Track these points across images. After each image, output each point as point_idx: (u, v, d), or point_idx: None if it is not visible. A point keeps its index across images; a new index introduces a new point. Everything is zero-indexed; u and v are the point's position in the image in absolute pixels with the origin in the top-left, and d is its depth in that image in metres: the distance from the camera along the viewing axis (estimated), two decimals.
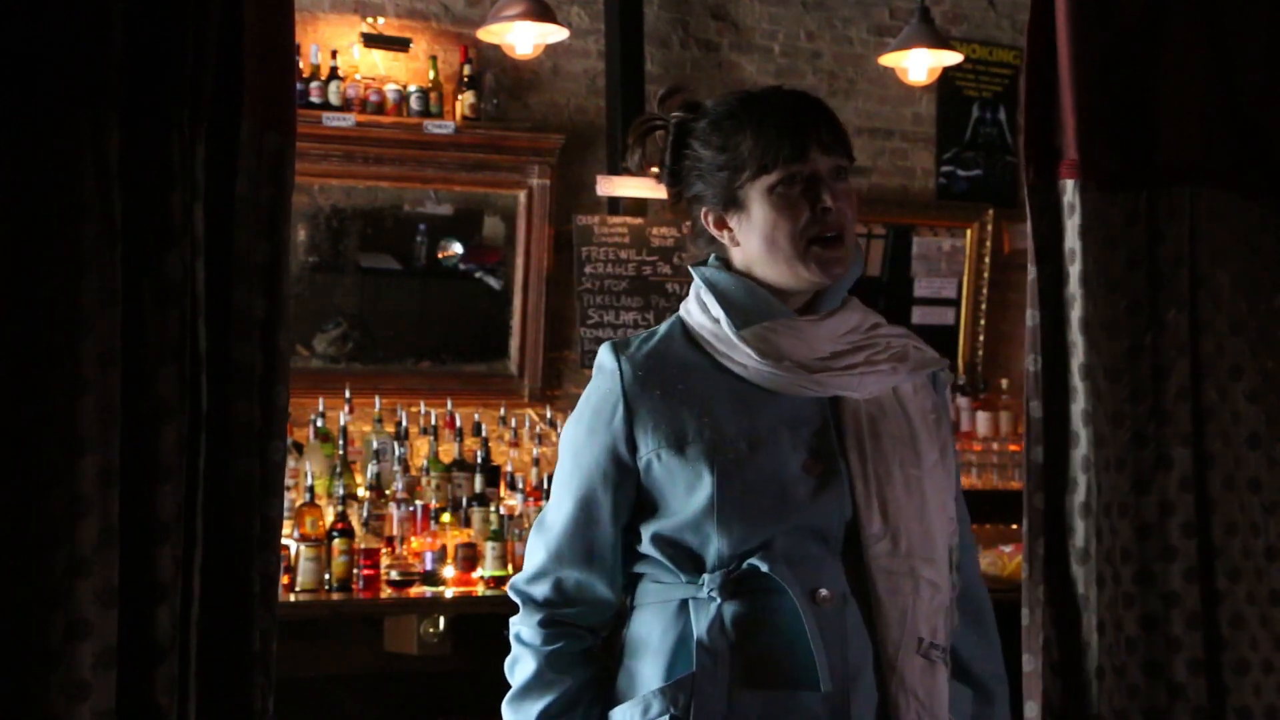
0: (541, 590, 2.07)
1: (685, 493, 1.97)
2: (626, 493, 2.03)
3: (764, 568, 1.93)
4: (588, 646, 2.09)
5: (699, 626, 1.96)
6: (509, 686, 2.12)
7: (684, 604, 1.99)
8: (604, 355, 2.06)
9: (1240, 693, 2.61)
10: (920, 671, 1.97)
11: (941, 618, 2.01)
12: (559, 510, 2.07)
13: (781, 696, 1.93)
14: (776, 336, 2.01)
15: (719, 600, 1.96)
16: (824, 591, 1.94)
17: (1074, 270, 2.60)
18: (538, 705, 2.06)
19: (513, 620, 2.11)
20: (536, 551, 2.08)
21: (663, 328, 2.10)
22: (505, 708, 2.11)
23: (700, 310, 2.07)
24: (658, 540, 2.00)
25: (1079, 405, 2.58)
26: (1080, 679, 2.57)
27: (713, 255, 2.10)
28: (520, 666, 2.09)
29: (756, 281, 2.04)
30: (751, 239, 2.03)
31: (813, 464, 1.98)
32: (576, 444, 2.06)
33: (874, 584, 1.96)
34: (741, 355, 2.01)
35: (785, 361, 2.00)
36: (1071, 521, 2.57)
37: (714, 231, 2.07)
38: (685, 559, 1.99)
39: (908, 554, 1.98)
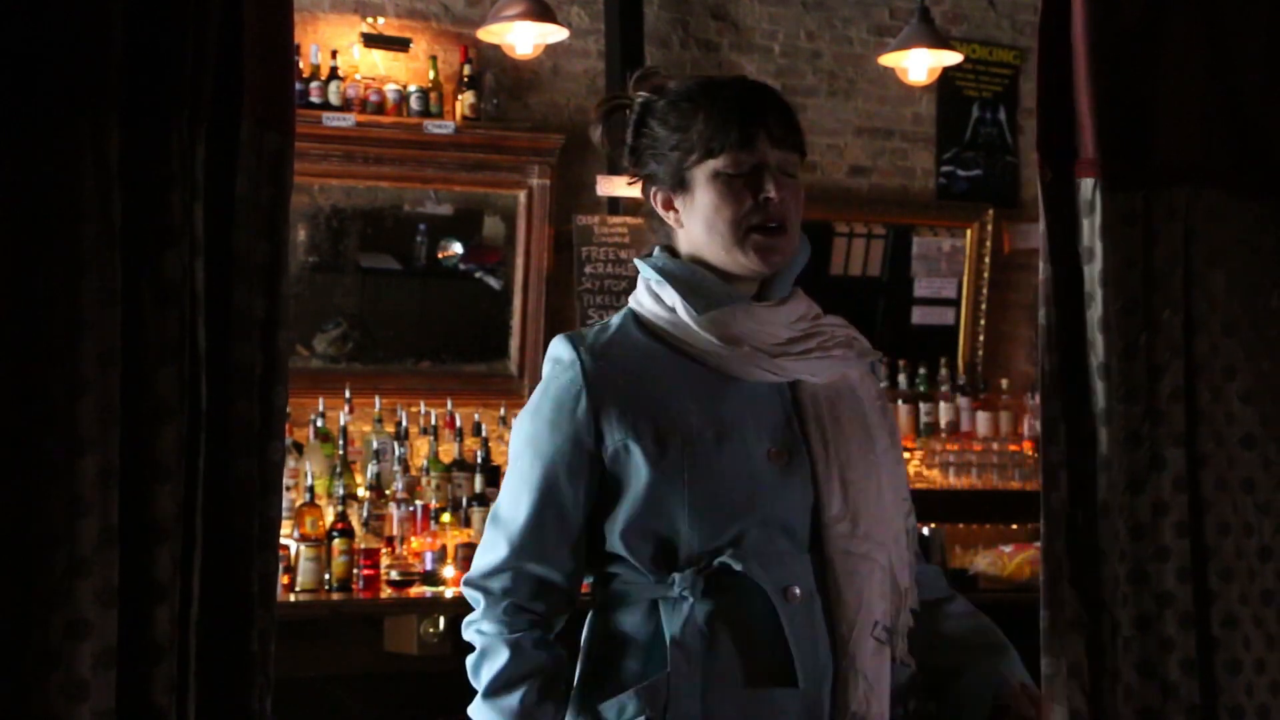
0: (501, 583, 2.03)
1: (654, 483, 1.96)
2: (590, 485, 2.01)
3: (737, 567, 1.94)
4: (550, 637, 2.06)
5: (671, 626, 1.95)
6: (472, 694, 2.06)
7: (654, 604, 1.98)
8: (560, 348, 2.04)
9: (1233, 692, 2.61)
10: (871, 653, 1.98)
11: (890, 601, 2.03)
12: (517, 504, 2.04)
13: (757, 695, 1.94)
14: (735, 321, 2.02)
15: (691, 600, 1.95)
16: (796, 590, 1.95)
17: (1092, 270, 2.60)
18: (515, 695, 2.00)
19: (469, 619, 2.07)
20: (495, 546, 2.05)
21: (615, 320, 2.09)
22: (479, 708, 2.04)
23: (653, 300, 2.07)
24: (625, 537, 1.99)
25: (1097, 405, 2.58)
26: (1100, 681, 2.57)
27: (656, 248, 2.12)
28: (489, 660, 2.03)
29: (706, 268, 2.05)
30: (694, 222, 2.04)
31: (777, 452, 1.98)
32: (536, 437, 2.03)
33: (833, 566, 1.97)
34: (702, 341, 2.01)
35: (745, 346, 2.01)
36: (1092, 521, 2.57)
37: (661, 212, 2.09)
38: (654, 557, 1.98)
39: (866, 536, 2.00)
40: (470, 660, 2.06)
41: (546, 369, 2.06)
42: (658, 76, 2.14)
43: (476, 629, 2.06)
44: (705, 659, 1.94)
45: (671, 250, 2.10)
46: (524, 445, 2.05)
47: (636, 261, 2.13)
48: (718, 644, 1.94)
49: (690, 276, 2.05)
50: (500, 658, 2.01)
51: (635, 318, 2.08)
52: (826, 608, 1.97)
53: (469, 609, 2.11)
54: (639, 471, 1.97)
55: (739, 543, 1.96)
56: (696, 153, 2.02)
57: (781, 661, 1.93)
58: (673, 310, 2.04)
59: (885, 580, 2.02)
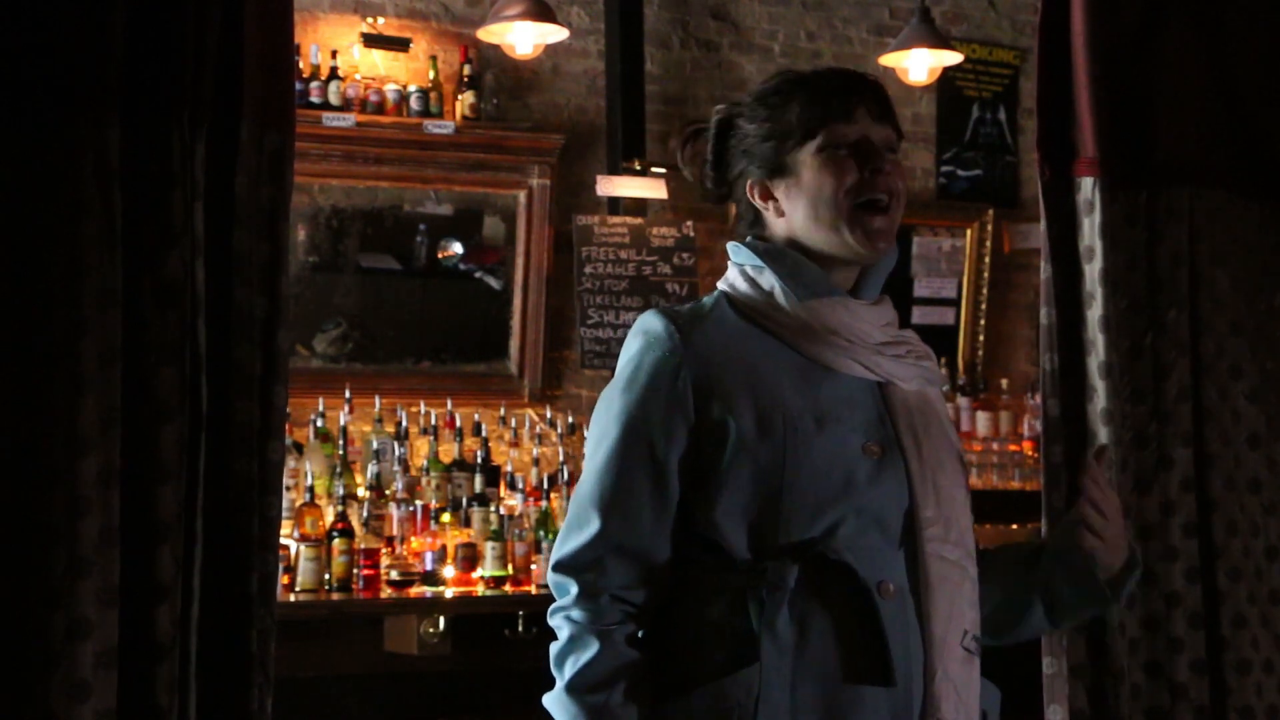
0: (596, 568, 1.91)
1: (753, 464, 1.90)
2: (686, 463, 1.93)
3: (834, 557, 1.89)
4: (640, 635, 1.94)
5: (764, 617, 1.87)
6: (550, 682, 1.93)
7: (740, 593, 1.89)
8: (654, 322, 1.96)
9: (1242, 693, 2.60)
10: (960, 663, 1.94)
11: (977, 610, 2.00)
12: (609, 478, 1.93)
13: (848, 691, 1.88)
14: (833, 313, 1.98)
15: (785, 590, 1.88)
16: (890, 585, 1.91)
17: (1092, 269, 2.60)
18: (601, 695, 1.88)
19: (556, 605, 1.94)
20: (585, 523, 1.93)
21: (708, 301, 2.03)
22: (560, 699, 1.91)
23: (748, 284, 2.02)
24: (718, 520, 1.91)
25: (1097, 404, 2.58)
26: (1102, 681, 2.56)
27: (749, 235, 2.07)
28: (576, 651, 1.90)
29: (805, 255, 2.01)
30: (799, 204, 2.00)
31: (873, 447, 1.95)
32: (630, 409, 1.93)
33: (927, 572, 1.93)
34: (801, 327, 1.97)
35: (841, 338, 1.98)
36: None
37: (759, 203, 2.04)
38: (747, 543, 1.91)
39: (957, 542, 1.97)
40: (555, 647, 1.93)
41: (636, 343, 1.97)
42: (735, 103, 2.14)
43: (565, 615, 1.93)
44: (796, 651, 1.87)
45: (765, 240, 2.06)
46: (615, 418, 1.95)
47: (731, 246, 2.07)
48: (810, 636, 1.88)
49: (795, 263, 2.00)
50: (589, 650, 1.90)
51: (729, 300, 2.02)
52: (918, 610, 1.92)
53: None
54: (738, 451, 1.91)
55: (833, 533, 1.90)
56: (796, 135, 1.99)
57: (873, 658, 1.88)
58: (770, 294, 2.00)
59: (974, 591, 1.99)
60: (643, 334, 1.97)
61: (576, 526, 1.94)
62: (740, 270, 2.05)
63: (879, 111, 2.01)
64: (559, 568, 1.94)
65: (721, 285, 2.06)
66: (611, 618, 1.91)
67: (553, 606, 1.95)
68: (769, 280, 2.01)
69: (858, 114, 1.99)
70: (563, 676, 1.91)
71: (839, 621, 1.90)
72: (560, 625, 1.93)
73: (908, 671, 1.90)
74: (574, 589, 1.92)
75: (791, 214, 2.01)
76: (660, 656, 1.94)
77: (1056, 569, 2.08)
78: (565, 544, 1.95)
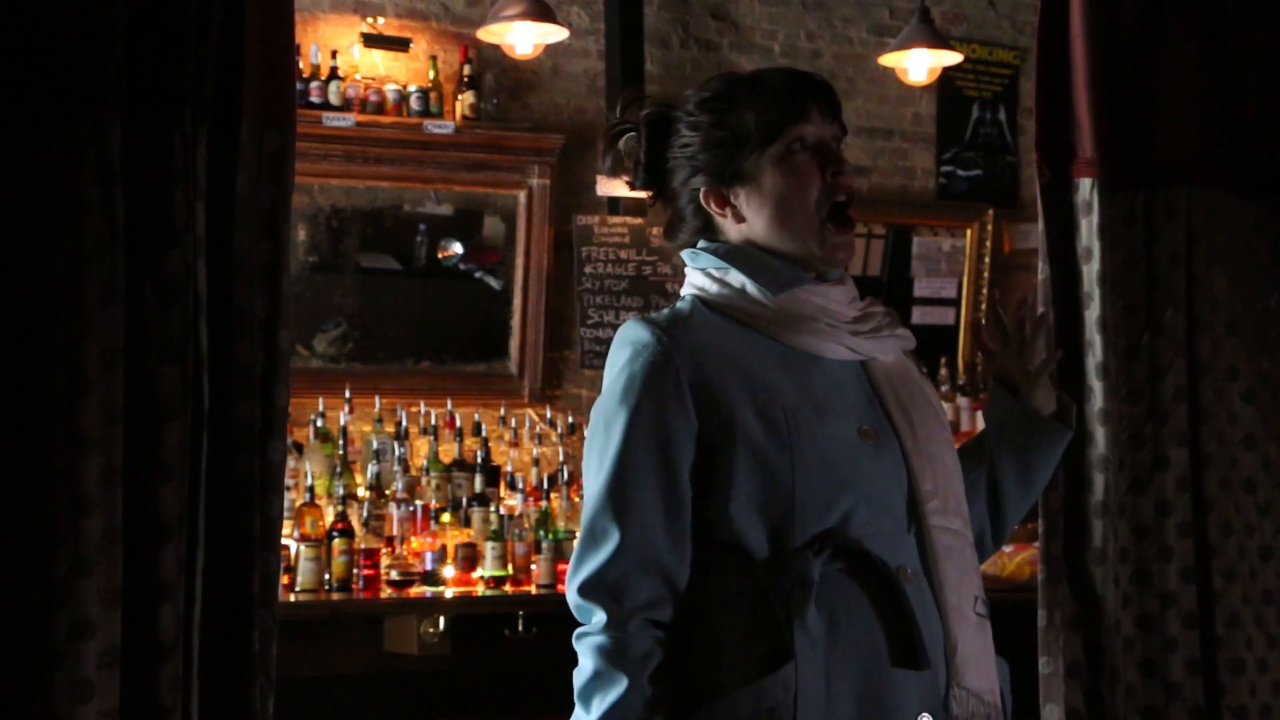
0: (621, 587, 1.87)
1: (763, 460, 1.89)
2: (694, 466, 1.90)
3: (857, 546, 1.88)
4: (666, 657, 1.89)
5: (791, 612, 1.85)
6: (568, 698, 1.89)
7: (762, 591, 1.87)
8: (639, 331, 1.94)
9: (1236, 692, 2.61)
10: (975, 630, 1.96)
11: (980, 574, 2.01)
12: (618, 495, 1.89)
13: (879, 679, 1.88)
14: (808, 300, 1.98)
15: (811, 583, 1.86)
16: (909, 569, 1.91)
17: (1090, 270, 2.60)
18: None
19: (583, 630, 1.89)
20: (606, 542, 1.88)
21: (682, 305, 2.02)
22: None
23: (717, 285, 2.01)
24: (734, 519, 1.89)
25: (1094, 404, 2.58)
26: (1098, 681, 2.57)
27: (701, 240, 2.06)
28: (603, 688, 1.86)
29: (767, 253, 2.01)
30: (761, 210, 2.00)
31: (868, 431, 1.95)
32: (631, 421, 1.90)
33: (934, 547, 1.94)
34: (780, 318, 1.97)
35: (821, 323, 1.98)
36: (1088, 521, 2.57)
37: (714, 210, 2.03)
38: (765, 539, 1.89)
39: (955, 511, 1.98)
40: (579, 677, 1.89)
41: (624, 354, 1.94)
42: (649, 98, 2.11)
43: (591, 643, 1.88)
44: (828, 644, 1.86)
45: (717, 242, 2.05)
46: (617, 430, 1.91)
47: (687, 253, 2.06)
48: (839, 628, 1.87)
49: (759, 259, 1.99)
50: (617, 687, 1.85)
51: (703, 302, 2.01)
52: (930, 585, 1.93)
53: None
54: (745, 449, 1.89)
55: (848, 522, 1.90)
56: (753, 140, 1.98)
57: (904, 644, 1.88)
58: (742, 289, 1.99)
59: (974, 555, 2.01)
60: (629, 344, 1.95)
61: (593, 544, 1.89)
62: (704, 273, 2.04)
63: (830, 110, 2.01)
64: (583, 590, 1.89)
65: (689, 291, 2.05)
66: (639, 648, 1.87)
67: (578, 631, 1.91)
68: (738, 278, 2.00)
69: (812, 115, 1.99)
70: (589, 712, 1.87)
71: (866, 611, 1.90)
72: (586, 653, 1.89)
73: (933, 651, 1.91)
74: (600, 614, 1.88)
75: (753, 220, 2.01)
76: (687, 665, 1.91)
77: (993, 411, 2.25)
78: (585, 564, 1.90)
